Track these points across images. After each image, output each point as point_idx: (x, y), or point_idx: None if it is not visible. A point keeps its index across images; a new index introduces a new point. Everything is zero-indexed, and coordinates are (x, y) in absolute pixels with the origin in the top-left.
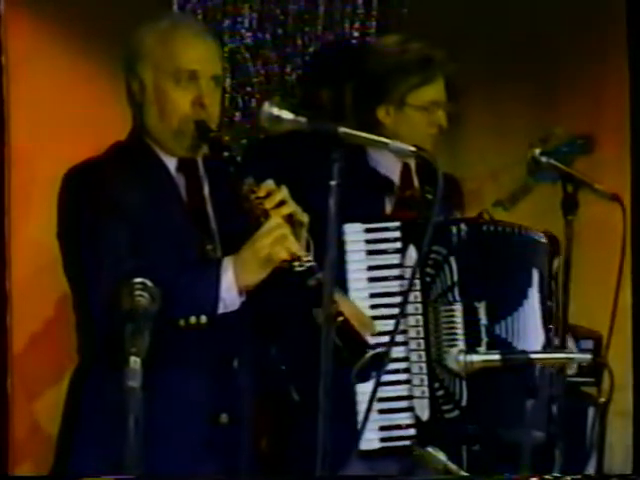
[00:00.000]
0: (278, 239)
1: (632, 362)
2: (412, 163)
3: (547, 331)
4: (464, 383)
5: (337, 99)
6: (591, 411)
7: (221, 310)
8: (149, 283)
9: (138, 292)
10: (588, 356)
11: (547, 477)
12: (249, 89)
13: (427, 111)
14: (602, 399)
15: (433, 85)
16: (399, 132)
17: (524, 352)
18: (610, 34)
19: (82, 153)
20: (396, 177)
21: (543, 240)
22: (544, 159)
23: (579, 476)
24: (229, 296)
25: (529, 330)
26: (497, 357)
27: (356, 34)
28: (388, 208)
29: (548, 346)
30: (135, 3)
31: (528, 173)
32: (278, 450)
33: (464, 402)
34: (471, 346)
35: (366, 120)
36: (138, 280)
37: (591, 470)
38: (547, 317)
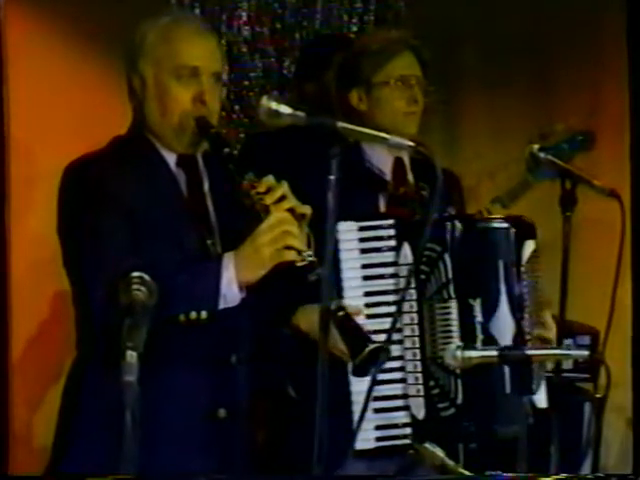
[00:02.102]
0: (279, 235)
1: (631, 359)
2: (405, 157)
3: (518, 320)
4: (459, 381)
5: (320, 92)
6: (587, 407)
7: (221, 306)
8: (147, 277)
9: (136, 286)
10: (585, 352)
11: (545, 478)
12: (246, 83)
13: (397, 87)
14: (598, 395)
15: (398, 60)
16: (376, 117)
17: (520, 348)
18: (608, 31)
19: (82, 146)
20: (388, 172)
21: (504, 226)
22: (542, 155)
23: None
24: (230, 292)
25: (502, 322)
26: (494, 353)
27: (354, 28)
28: (381, 203)
29: (520, 335)
30: None
31: (528, 170)
32: (275, 445)
33: (460, 400)
34: (467, 343)
35: (344, 110)
36: (136, 274)
37: (587, 466)
38: (516, 305)
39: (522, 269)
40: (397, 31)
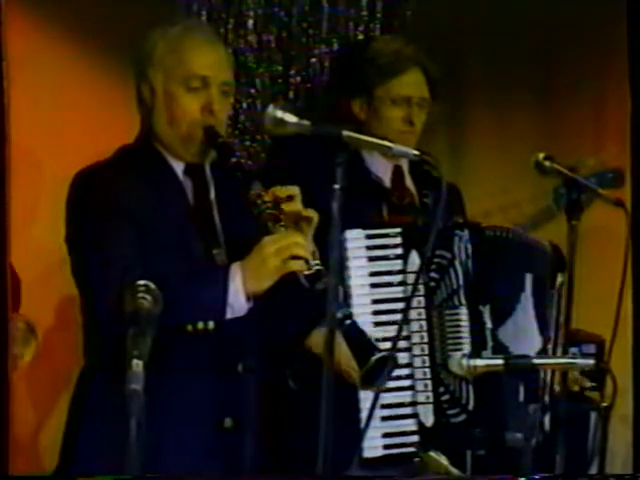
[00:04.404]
0: (285, 245)
1: (632, 367)
2: (404, 165)
3: (544, 338)
4: (471, 387)
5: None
6: (593, 416)
7: (229, 316)
8: (152, 285)
9: (141, 294)
10: (591, 361)
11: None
12: (253, 91)
13: (398, 105)
14: (604, 404)
15: (404, 79)
16: (373, 128)
17: (527, 357)
18: (611, 44)
19: (86, 154)
20: (387, 179)
21: (541, 246)
22: (548, 163)
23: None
24: (237, 303)
25: (523, 334)
26: (500, 362)
27: (360, 37)
28: (384, 211)
29: (543, 353)
30: (141, 3)
31: (553, 201)
32: (281, 453)
33: (471, 406)
34: (477, 350)
35: (344, 116)
36: (141, 282)
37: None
38: (544, 324)
39: (553, 292)
40: (408, 47)
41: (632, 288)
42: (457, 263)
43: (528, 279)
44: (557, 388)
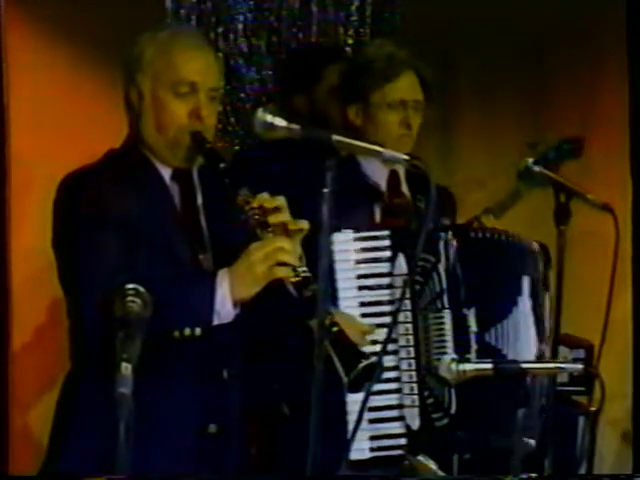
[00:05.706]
0: (272, 252)
1: (632, 371)
2: (400, 170)
3: (540, 340)
4: (453, 391)
5: (311, 104)
6: (581, 420)
7: (215, 322)
8: (141, 289)
9: (130, 298)
10: (579, 366)
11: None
12: (243, 95)
13: (394, 110)
14: (593, 408)
15: (398, 83)
16: (369, 133)
17: (515, 361)
18: (606, 41)
19: (81, 157)
20: (384, 184)
21: (534, 248)
22: (537, 169)
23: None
24: (224, 309)
25: (520, 338)
26: (489, 366)
27: (350, 41)
28: (377, 215)
29: (541, 355)
30: (132, 8)
31: (518, 178)
32: (267, 459)
33: (453, 410)
34: (460, 353)
35: (339, 123)
36: (130, 286)
37: None
38: (540, 326)
39: (547, 293)
40: (401, 50)
41: (632, 293)
42: (441, 266)
43: (525, 282)
44: (546, 392)
